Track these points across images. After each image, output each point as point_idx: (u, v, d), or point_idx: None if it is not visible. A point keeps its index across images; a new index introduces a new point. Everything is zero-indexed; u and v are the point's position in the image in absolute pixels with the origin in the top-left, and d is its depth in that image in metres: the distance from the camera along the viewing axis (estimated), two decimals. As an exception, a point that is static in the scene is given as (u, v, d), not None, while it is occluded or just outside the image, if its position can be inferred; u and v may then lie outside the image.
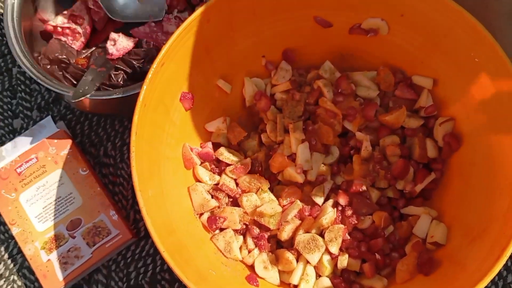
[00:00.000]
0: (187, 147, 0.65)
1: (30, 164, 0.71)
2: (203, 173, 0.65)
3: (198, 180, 0.65)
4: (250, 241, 0.63)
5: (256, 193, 0.64)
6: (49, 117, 0.76)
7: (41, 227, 0.69)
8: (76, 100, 0.62)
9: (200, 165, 0.66)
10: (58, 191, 0.70)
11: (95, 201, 0.70)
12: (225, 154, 0.66)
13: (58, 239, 0.68)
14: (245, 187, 0.64)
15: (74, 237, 0.68)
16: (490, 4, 0.63)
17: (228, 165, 0.66)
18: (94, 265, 0.68)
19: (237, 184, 0.65)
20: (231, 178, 0.65)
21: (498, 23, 0.55)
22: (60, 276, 0.67)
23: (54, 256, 0.67)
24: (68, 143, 0.72)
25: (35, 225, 0.69)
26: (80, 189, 0.70)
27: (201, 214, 0.63)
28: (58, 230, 0.68)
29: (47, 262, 0.67)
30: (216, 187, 0.64)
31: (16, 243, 0.70)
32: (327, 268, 0.61)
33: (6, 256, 0.71)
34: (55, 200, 0.69)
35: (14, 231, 0.68)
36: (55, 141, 0.72)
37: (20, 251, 0.71)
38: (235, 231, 0.63)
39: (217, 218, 0.62)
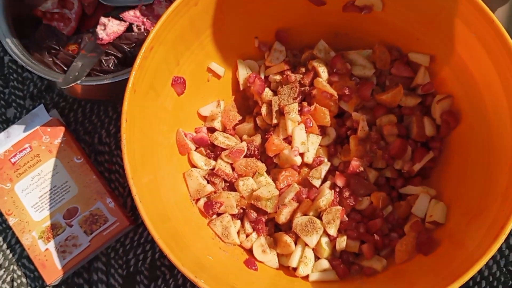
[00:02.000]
0: (181, 132, 0.64)
1: (24, 153, 0.70)
2: (198, 158, 0.64)
3: (193, 166, 0.65)
4: (247, 225, 0.62)
5: (252, 177, 0.63)
6: (42, 105, 0.75)
7: (38, 217, 0.68)
8: (66, 87, 0.61)
9: (195, 150, 0.65)
10: (53, 180, 0.69)
11: (91, 189, 0.69)
12: (220, 139, 0.65)
13: (55, 228, 0.68)
14: (241, 171, 0.64)
15: (71, 226, 0.68)
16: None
17: (224, 149, 0.65)
18: (92, 253, 0.68)
19: (233, 169, 0.64)
20: (227, 162, 0.64)
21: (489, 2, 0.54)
22: (58, 265, 0.67)
23: (52, 245, 0.67)
24: (61, 131, 0.71)
25: (32, 214, 0.68)
26: (75, 178, 0.69)
27: (198, 200, 0.63)
28: (55, 219, 0.68)
29: (45, 252, 0.67)
30: (212, 172, 0.64)
31: (13, 233, 0.70)
32: (326, 250, 0.60)
33: (4, 246, 0.71)
34: (51, 189, 0.69)
35: (11, 221, 0.68)
36: (48, 129, 0.71)
37: (18, 241, 0.71)
38: (232, 215, 0.62)
39: (214, 203, 0.61)
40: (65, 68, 0.69)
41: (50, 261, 0.67)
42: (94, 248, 0.67)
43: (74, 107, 0.77)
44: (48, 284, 0.67)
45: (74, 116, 0.76)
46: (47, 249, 0.67)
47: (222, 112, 0.67)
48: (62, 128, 0.72)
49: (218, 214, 0.62)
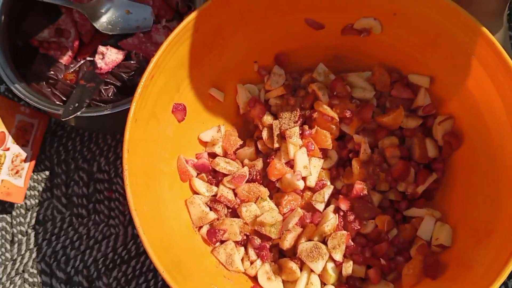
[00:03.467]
0: (182, 159, 0.63)
1: None
2: (200, 185, 0.64)
3: (195, 193, 0.64)
4: (251, 252, 0.62)
5: (255, 202, 0.63)
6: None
7: None
8: (67, 119, 0.61)
9: (196, 177, 0.65)
10: None
11: (3, 109, 0.70)
12: (221, 164, 0.65)
13: None
14: (244, 197, 0.63)
15: (8, 149, 0.70)
16: (474, 2, 0.62)
17: (225, 175, 0.64)
18: (37, 155, 0.73)
19: (235, 194, 0.64)
20: (229, 188, 0.64)
21: (482, 22, 0.54)
22: (20, 183, 0.71)
23: (4, 174, 0.69)
24: None
25: None
26: None
27: (200, 227, 0.62)
28: None
29: (2, 183, 0.69)
30: (214, 199, 0.63)
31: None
32: (332, 276, 0.59)
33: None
34: None
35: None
36: None
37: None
38: (236, 242, 0.61)
39: (217, 230, 0.61)
40: (64, 98, 0.69)
41: (11, 187, 0.70)
42: (36, 152, 0.73)
43: (72, 135, 0.76)
44: (20, 202, 0.71)
45: (73, 145, 0.76)
46: (2, 180, 0.69)
47: (222, 137, 0.67)
48: None
49: (222, 242, 0.62)
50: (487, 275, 0.49)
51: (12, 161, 0.70)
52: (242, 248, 0.62)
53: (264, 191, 0.63)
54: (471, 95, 0.59)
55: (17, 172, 0.71)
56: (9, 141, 0.70)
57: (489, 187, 0.56)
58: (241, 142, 0.67)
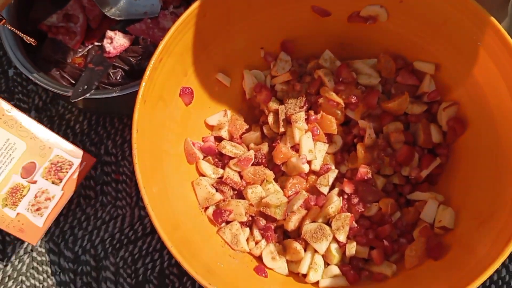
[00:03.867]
0: (189, 142, 0.64)
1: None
2: (207, 167, 0.65)
3: (201, 175, 0.65)
4: (256, 233, 0.63)
5: (260, 185, 0.64)
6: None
7: None
8: (76, 100, 0.62)
9: (203, 159, 0.66)
10: None
11: (39, 139, 0.64)
12: (227, 148, 0.66)
13: (17, 191, 0.63)
14: (249, 179, 0.64)
15: (35, 182, 0.64)
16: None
17: (231, 158, 0.65)
18: (69, 198, 0.65)
19: (241, 177, 0.65)
20: (235, 171, 0.65)
21: (488, 10, 0.55)
22: (38, 223, 0.64)
23: (22, 208, 0.63)
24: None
25: None
26: (15, 133, 0.63)
27: (207, 208, 0.63)
28: (13, 181, 0.63)
29: (17, 217, 0.63)
30: (220, 181, 0.64)
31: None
32: (336, 257, 0.60)
33: (13, 257, 0.71)
34: None
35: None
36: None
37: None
38: (241, 223, 0.62)
39: (223, 211, 0.62)
40: (72, 81, 0.70)
41: (27, 223, 0.63)
42: (68, 194, 0.65)
43: (79, 119, 0.77)
44: (34, 244, 0.64)
45: (80, 128, 0.77)
46: (18, 213, 0.63)
47: (229, 121, 0.68)
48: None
49: (227, 222, 0.63)
50: (488, 255, 0.50)
51: (36, 196, 0.63)
52: (247, 229, 0.63)
53: (270, 174, 0.64)
54: (477, 82, 0.60)
55: (38, 209, 0.63)
56: (38, 173, 0.63)
57: (492, 171, 0.57)
58: (247, 127, 0.68)
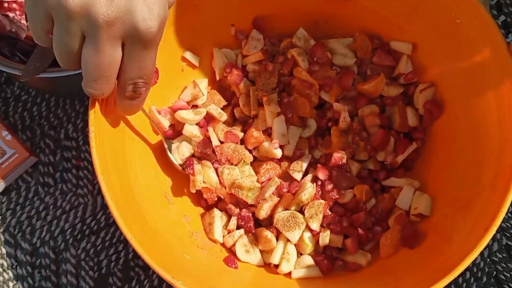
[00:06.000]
0: (154, 111, 0.60)
1: None
2: (185, 113, 0.61)
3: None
4: (233, 221, 0.60)
5: (237, 165, 0.61)
6: None
7: None
8: (26, 79, 0.57)
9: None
10: None
11: None
12: (212, 109, 0.62)
13: None
14: (228, 155, 0.61)
15: None
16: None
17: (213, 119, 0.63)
18: None
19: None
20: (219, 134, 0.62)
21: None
22: None
23: None
24: None
25: None
26: None
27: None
28: None
29: None
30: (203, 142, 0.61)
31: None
32: (309, 246, 0.58)
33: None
34: None
35: None
36: None
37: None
38: (222, 210, 0.60)
39: (192, 162, 0.59)
40: (25, 59, 0.64)
41: None
42: None
43: (37, 101, 0.72)
44: None
45: (38, 110, 0.72)
46: None
47: (207, 96, 0.64)
48: None
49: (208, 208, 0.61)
50: (465, 244, 0.48)
51: None
52: (225, 218, 0.60)
53: (248, 156, 0.62)
54: (454, 62, 0.58)
55: None
56: None
57: (469, 155, 0.56)
58: (225, 103, 0.64)
